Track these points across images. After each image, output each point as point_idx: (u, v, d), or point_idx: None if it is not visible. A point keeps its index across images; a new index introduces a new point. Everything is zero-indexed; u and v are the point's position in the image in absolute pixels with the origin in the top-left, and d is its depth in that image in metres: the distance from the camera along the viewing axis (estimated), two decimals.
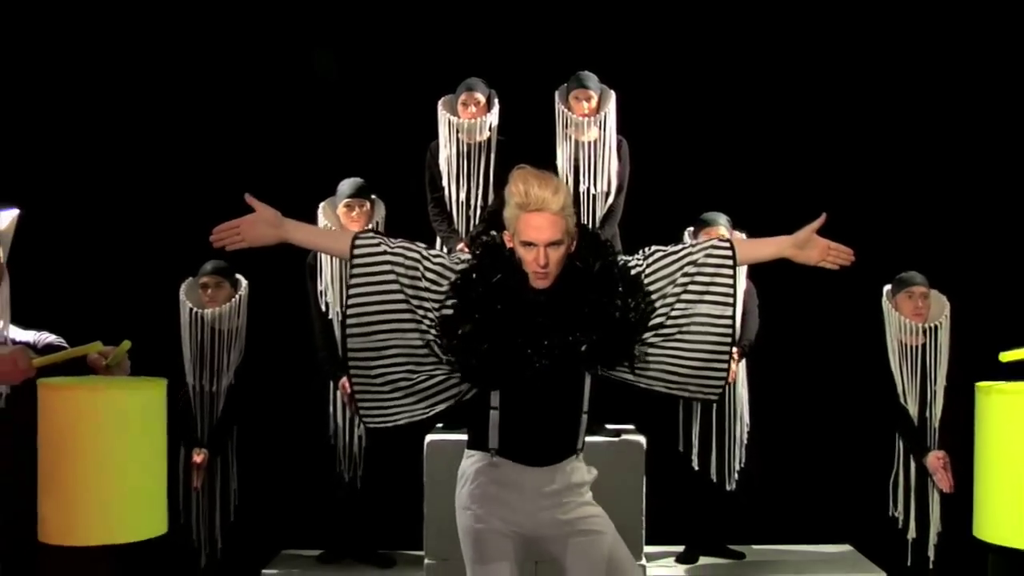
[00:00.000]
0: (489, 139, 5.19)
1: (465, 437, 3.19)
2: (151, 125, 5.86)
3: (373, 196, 5.15)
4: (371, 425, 3.13)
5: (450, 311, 2.98)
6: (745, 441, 5.26)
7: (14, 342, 2.83)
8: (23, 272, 3.14)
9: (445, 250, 5.06)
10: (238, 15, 5.94)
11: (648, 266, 3.08)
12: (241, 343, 4.94)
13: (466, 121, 5.15)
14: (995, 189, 5.83)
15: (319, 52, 5.76)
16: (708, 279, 3.04)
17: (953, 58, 5.88)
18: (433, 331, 3.02)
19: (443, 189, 5.23)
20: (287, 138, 5.93)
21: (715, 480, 5.21)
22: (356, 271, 3.00)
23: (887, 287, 4.93)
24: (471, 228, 5.18)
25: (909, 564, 4.85)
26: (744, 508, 5.37)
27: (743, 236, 5.19)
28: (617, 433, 4.93)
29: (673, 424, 5.26)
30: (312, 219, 5.12)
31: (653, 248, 3.13)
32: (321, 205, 5.12)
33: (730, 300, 3.02)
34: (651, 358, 3.09)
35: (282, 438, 5.44)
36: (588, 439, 4.07)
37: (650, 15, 5.97)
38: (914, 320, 4.78)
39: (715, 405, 5.19)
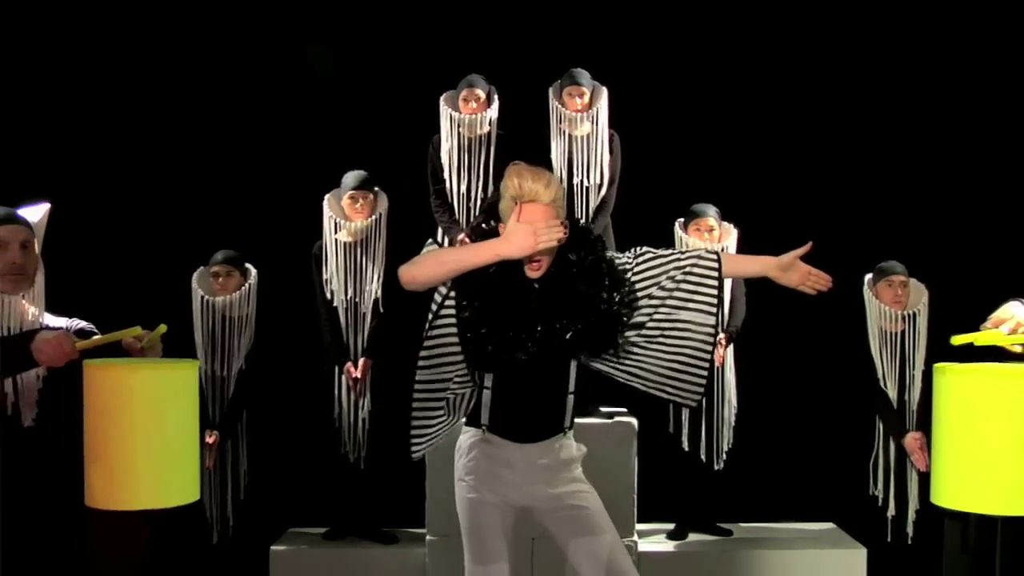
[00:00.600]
0: (489, 133, 5.24)
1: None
2: (165, 125, 5.87)
3: (376, 188, 5.19)
4: (418, 453, 3.23)
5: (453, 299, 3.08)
6: (732, 423, 5.29)
7: (47, 328, 2.96)
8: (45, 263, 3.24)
9: (447, 240, 5.19)
10: (248, 15, 5.95)
11: (636, 265, 3.16)
12: (251, 329, 5.00)
13: (467, 116, 5.20)
14: (971, 184, 5.84)
15: (313, 48, 5.78)
16: (693, 287, 3.11)
17: (931, 53, 5.89)
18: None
19: (445, 181, 5.28)
20: (295, 133, 5.95)
21: (704, 460, 5.25)
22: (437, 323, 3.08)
23: (868, 276, 4.97)
24: (471, 219, 5.21)
25: (889, 540, 4.92)
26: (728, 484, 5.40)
27: (732, 227, 5.27)
28: (610, 415, 4.99)
29: (664, 407, 5.23)
30: (318, 209, 5.17)
31: (644, 248, 3.21)
32: (327, 196, 5.17)
33: (713, 309, 3.09)
34: (632, 355, 3.17)
35: (289, 421, 5.45)
36: (583, 421, 4.23)
37: (640, 15, 5.98)
38: (894, 308, 4.83)
39: (707, 386, 5.27)
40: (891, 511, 4.89)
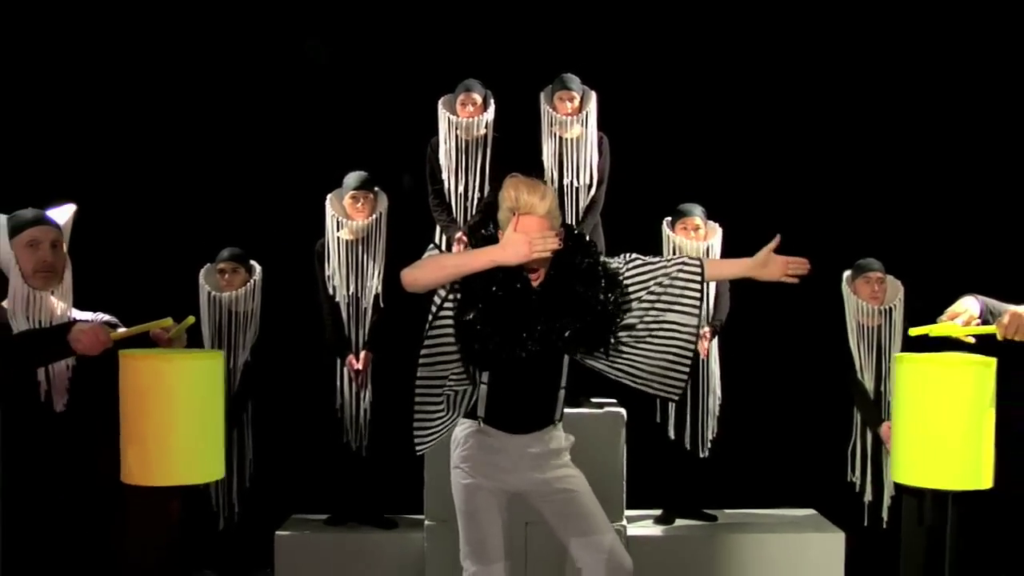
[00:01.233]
0: (485, 135, 5.28)
1: None
2: (174, 131, 5.90)
3: (376, 188, 5.21)
4: (421, 450, 3.39)
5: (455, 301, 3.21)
6: (717, 413, 5.32)
7: (82, 321, 3.08)
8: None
9: (444, 238, 5.24)
10: (254, 21, 5.98)
11: (628, 270, 3.30)
12: (256, 323, 5.08)
13: (464, 119, 5.24)
14: (944, 187, 5.87)
15: (310, 43, 5.78)
16: (679, 291, 3.26)
17: (909, 56, 5.93)
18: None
19: (443, 182, 5.31)
20: (298, 135, 5.98)
21: (690, 449, 5.29)
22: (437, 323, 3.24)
23: (847, 273, 5.02)
24: (468, 218, 5.27)
25: (866, 524, 4.99)
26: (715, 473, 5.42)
27: (716, 225, 5.31)
28: (600, 406, 5.05)
29: (651, 398, 4.98)
30: (320, 208, 5.19)
31: (633, 255, 3.35)
32: (329, 196, 5.20)
33: (696, 311, 3.25)
34: (623, 354, 3.31)
35: (293, 411, 5.45)
36: (575, 411, 4.38)
37: (628, 23, 6.00)
38: (871, 303, 4.89)
39: (689, 380, 5.29)
40: (868, 497, 4.96)
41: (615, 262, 3.35)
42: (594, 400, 5.10)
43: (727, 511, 5.56)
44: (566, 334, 3.21)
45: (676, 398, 3.41)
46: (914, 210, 5.91)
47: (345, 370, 5.23)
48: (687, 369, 3.30)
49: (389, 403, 5.23)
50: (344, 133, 5.97)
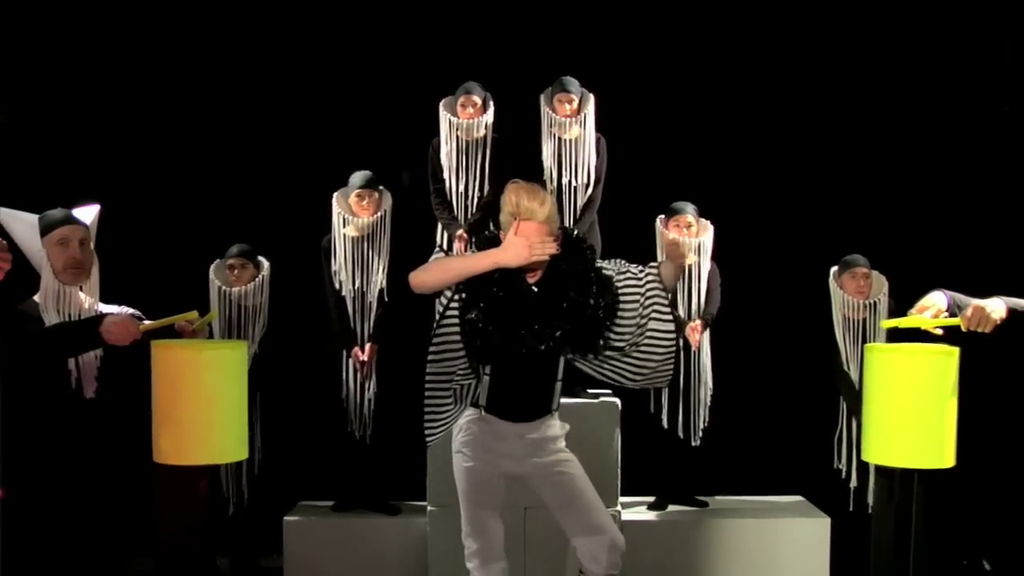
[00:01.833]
0: (485, 136, 5.32)
1: None
2: (186, 135, 5.94)
3: (381, 187, 5.26)
4: (431, 440, 3.59)
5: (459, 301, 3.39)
6: (708, 403, 5.36)
7: (112, 314, 3.22)
8: None
9: (446, 236, 5.32)
10: (264, 26, 6.00)
11: (619, 281, 3.48)
12: (264, 317, 5.11)
13: (464, 120, 5.29)
14: (927, 186, 5.92)
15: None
16: (653, 301, 3.47)
17: (897, 56, 5.96)
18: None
19: (444, 181, 5.35)
20: (305, 136, 6.01)
21: (682, 437, 5.35)
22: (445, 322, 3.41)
23: (834, 268, 5.09)
24: (469, 216, 5.32)
25: (851, 509, 5.03)
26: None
27: (708, 223, 5.37)
28: (596, 396, 5.10)
29: (645, 388, 5.11)
30: (327, 206, 5.23)
31: (624, 267, 3.53)
32: (335, 194, 5.24)
33: (669, 316, 3.46)
34: (611, 360, 3.51)
35: (300, 401, 5.47)
36: (571, 401, 4.50)
37: (625, 28, 6.03)
38: (856, 297, 4.95)
39: (682, 371, 5.25)
40: (853, 483, 5.01)
41: (609, 268, 3.50)
42: (590, 391, 5.12)
43: (718, 497, 5.61)
44: (557, 334, 3.37)
45: (663, 385, 3.71)
46: (898, 210, 5.96)
47: (351, 362, 5.29)
48: (672, 366, 3.52)
49: (393, 393, 5.30)
50: (349, 134, 6.00)
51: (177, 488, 3.47)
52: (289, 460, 5.49)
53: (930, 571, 3.86)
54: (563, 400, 3.70)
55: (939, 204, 5.96)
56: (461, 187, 5.37)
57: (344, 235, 5.24)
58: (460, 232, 5.29)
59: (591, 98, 5.36)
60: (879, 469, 3.76)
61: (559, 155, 5.32)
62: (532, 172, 5.23)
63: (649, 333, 3.48)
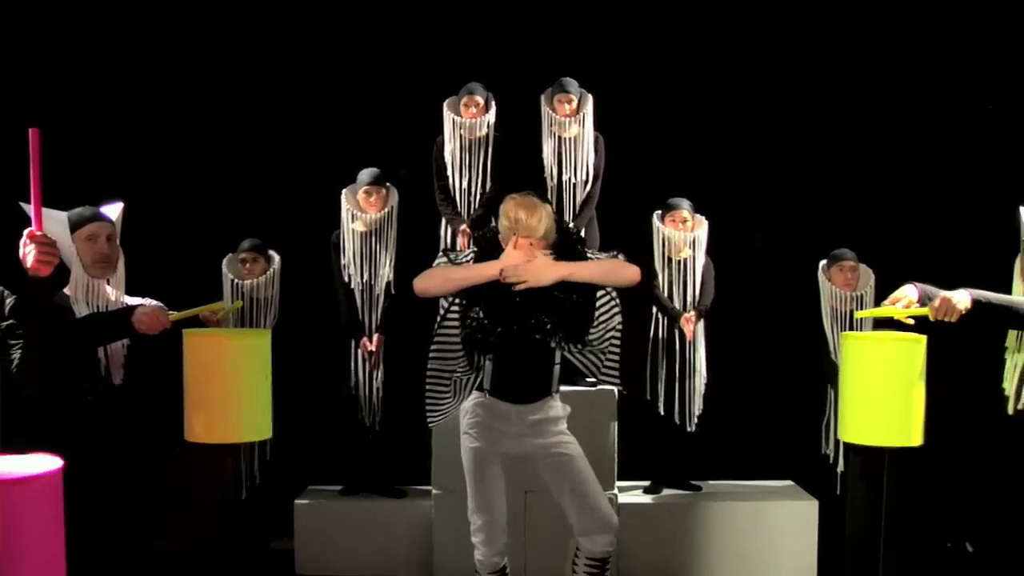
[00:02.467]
0: (487, 135, 5.43)
1: None
2: (201, 136, 6.03)
3: (388, 184, 5.34)
4: (432, 425, 3.83)
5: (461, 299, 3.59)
6: (703, 391, 5.43)
7: (140, 305, 3.38)
8: None
9: (450, 230, 5.46)
10: (273, 28, 6.08)
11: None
12: (275, 309, 5.15)
13: (467, 120, 5.40)
14: (912, 183, 6.01)
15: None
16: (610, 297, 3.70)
17: (884, 57, 6.02)
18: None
19: (448, 178, 5.46)
20: (315, 136, 6.09)
21: (677, 424, 5.42)
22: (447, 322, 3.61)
23: (822, 262, 5.16)
24: (472, 211, 5.44)
25: (838, 493, 5.08)
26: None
27: (703, 218, 5.45)
28: (593, 384, 5.09)
29: (641, 376, 5.42)
30: (336, 201, 5.32)
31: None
32: (344, 191, 5.33)
33: (617, 311, 3.68)
34: (589, 355, 3.75)
35: (310, 390, 5.37)
36: (570, 389, 4.62)
37: (623, 30, 6.11)
38: (844, 290, 5.03)
39: (678, 361, 5.38)
40: (840, 468, 5.08)
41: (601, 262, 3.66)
42: (588, 380, 5.10)
43: (711, 482, 5.68)
44: (547, 327, 3.57)
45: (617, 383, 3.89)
46: (884, 206, 6.03)
47: (359, 351, 5.38)
48: (616, 359, 3.78)
49: (400, 382, 5.38)
50: (357, 133, 6.07)
51: (206, 465, 3.65)
52: (299, 446, 5.42)
53: (902, 546, 4.03)
54: (563, 388, 3.85)
55: (924, 201, 6.02)
56: (464, 184, 5.47)
57: (352, 230, 5.33)
58: (463, 227, 5.41)
59: (590, 98, 5.46)
60: (853, 448, 3.93)
61: (559, 153, 5.42)
62: (533, 169, 5.37)
63: (608, 332, 3.69)
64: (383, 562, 5.36)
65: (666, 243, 5.46)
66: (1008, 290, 3.80)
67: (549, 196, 5.26)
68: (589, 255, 3.67)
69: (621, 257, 3.64)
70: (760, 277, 5.99)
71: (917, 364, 3.13)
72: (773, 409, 5.93)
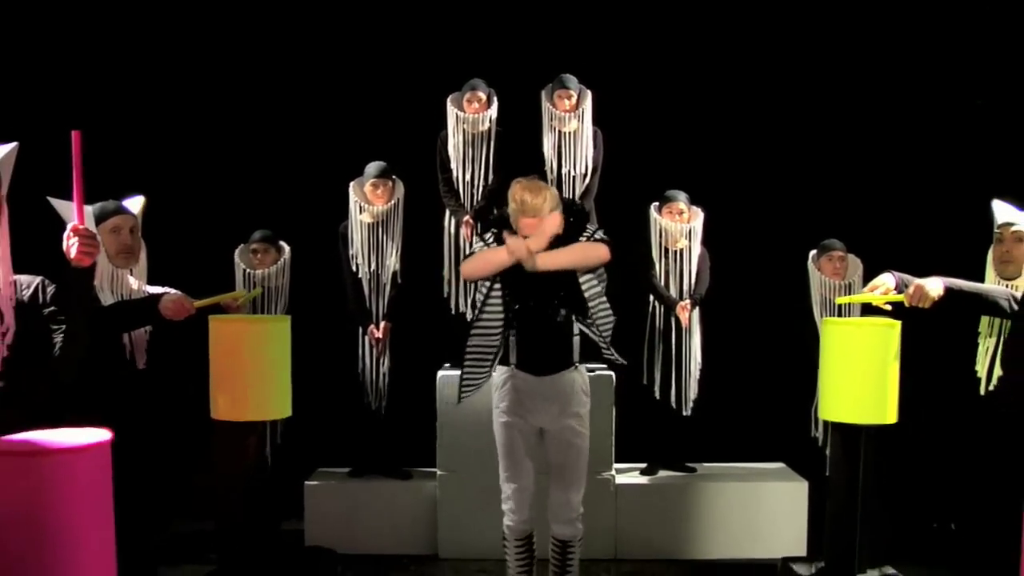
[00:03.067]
0: (489, 129, 5.50)
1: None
2: (216, 131, 6.13)
3: (394, 176, 5.44)
4: (464, 399, 3.95)
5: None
6: (698, 376, 5.53)
7: (165, 294, 3.55)
8: None
9: (454, 221, 5.57)
10: (289, 29, 6.18)
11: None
12: (285, 297, 5.21)
13: (470, 115, 5.47)
14: (899, 176, 6.13)
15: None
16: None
17: (874, 54, 6.11)
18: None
19: (451, 171, 5.54)
20: (324, 130, 6.19)
21: (673, 408, 5.52)
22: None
23: (812, 252, 5.29)
24: (475, 203, 5.53)
25: (827, 474, 4.89)
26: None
27: (699, 210, 5.56)
28: (592, 370, 5.00)
29: (639, 361, 5.51)
30: (344, 193, 5.41)
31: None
32: (351, 184, 5.42)
33: (601, 289, 3.87)
34: (597, 320, 3.91)
35: (320, 375, 5.38)
36: None
37: (621, 28, 6.20)
38: (833, 279, 5.16)
39: (674, 347, 5.49)
40: (829, 450, 4.90)
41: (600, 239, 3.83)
42: (588, 365, 5.08)
43: (705, 464, 5.78)
44: (555, 300, 3.79)
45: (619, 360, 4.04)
46: (873, 198, 6.14)
47: (366, 338, 5.48)
48: (609, 329, 3.93)
49: (405, 368, 5.51)
50: (364, 128, 6.14)
51: (231, 442, 3.83)
52: (309, 429, 5.48)
53: (881, 522, 4.18)
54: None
55: (908, 195, 6.13)
56: (467, 177, 5.55)
57: (360, 221, 5.42)
58: (466, 218, 5.52)
59: (589, 94, 5.54)
60: (834, 426, 4.10)
61: (559, 147, 5.51)
62: (533, 163, 5.46)
63: (604, 304, 3.87)
64: (390, 541, 5.45)
65: (663, 234, 5.57)
66: (982, 278, 3.96)
67: None
68: (588, 229, 3.84)
69: (600, 234, 3.81)
70: (753, 267, 6.07)
71: (891, 347, 3.30)
72: (765, 394, 6.02)
